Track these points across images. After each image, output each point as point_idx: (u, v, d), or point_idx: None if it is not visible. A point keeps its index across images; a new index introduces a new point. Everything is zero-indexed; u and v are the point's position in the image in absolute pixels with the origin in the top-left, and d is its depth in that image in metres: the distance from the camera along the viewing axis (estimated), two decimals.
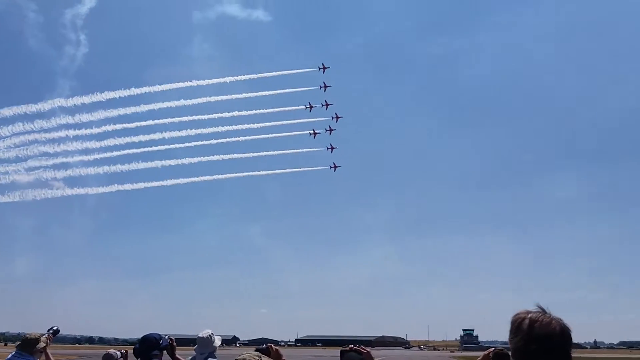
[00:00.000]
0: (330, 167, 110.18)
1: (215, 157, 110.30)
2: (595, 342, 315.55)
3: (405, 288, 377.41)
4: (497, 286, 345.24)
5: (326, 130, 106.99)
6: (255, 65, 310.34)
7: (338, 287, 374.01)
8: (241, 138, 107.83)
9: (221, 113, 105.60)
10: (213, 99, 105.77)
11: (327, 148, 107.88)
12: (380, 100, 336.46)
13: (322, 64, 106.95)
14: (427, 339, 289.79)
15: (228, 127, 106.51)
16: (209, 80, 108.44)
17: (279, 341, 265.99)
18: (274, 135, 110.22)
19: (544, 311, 3.43)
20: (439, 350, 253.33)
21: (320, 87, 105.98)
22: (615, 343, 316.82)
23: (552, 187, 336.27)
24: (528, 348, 3.29)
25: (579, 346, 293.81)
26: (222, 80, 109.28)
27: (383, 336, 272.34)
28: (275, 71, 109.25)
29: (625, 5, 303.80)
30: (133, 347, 7.51)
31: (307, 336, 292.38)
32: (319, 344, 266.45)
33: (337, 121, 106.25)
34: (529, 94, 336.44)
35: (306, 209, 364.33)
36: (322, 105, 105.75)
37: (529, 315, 3.39)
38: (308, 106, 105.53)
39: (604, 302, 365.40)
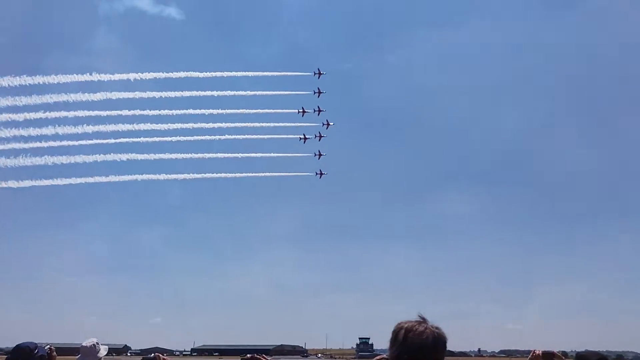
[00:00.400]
0: (317, 173, 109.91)
1: (112, 157, 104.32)
2: (479, 350, 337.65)
3: (305, 297, 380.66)
4: (395, 296, 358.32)
5: (315, 137, 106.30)
6: (164, 63, 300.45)
7: (237, 295, 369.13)
8: (143, 139, 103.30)
9: (121, 110, 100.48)
10: (115, 95, 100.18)
11: (315, 154, 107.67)
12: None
13: (318, 70, 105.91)
14: (325, 348, 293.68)
15: (129, 126, 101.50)
16: (112, 76, 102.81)
17: (173, 351, 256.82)
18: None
19: (424, 320, 3.47)
20: (335, 358, 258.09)
21: (314, 92, 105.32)
22: (497, 351, 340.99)
23: (446, 204, 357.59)
24: (401, 357, 3.37)
25: (465, 354, 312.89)
26: (126, 76, 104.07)
27: (282, 345, 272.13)
28: (184, 71, 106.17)
29: (516, 40, 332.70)
30: (6, 357, 6.83)
31: (203, 345, 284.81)
32: (216, 354, 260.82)
33: (327, 128, 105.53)
34: (427, 114, 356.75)
35: (205, 216, 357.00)
36: (315, 110, 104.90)
37: (405, 325, 3.44)
38: (300, 110, 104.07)
39: (489, 313, 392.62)
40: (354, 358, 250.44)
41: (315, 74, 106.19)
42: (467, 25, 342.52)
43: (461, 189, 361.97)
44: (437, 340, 3.40)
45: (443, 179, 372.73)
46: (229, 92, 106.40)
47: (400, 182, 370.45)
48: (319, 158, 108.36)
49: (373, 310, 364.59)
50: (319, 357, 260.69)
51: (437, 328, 3.47)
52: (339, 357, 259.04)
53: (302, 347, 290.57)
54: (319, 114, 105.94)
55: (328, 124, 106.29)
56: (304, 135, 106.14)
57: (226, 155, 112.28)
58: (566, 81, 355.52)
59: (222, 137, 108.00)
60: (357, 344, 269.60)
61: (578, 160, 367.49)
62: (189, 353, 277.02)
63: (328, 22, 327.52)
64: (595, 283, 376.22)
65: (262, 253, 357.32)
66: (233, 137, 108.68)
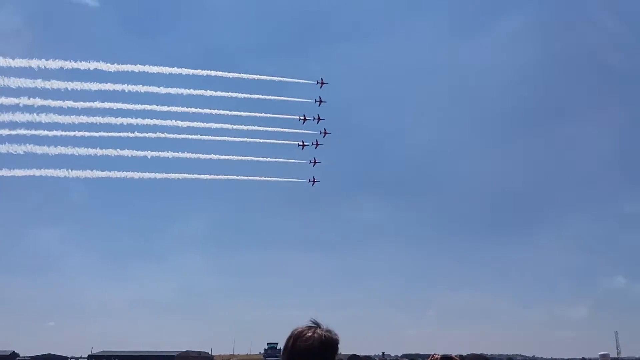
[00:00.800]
0: (309, 180, 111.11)
1: (7, 149, 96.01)
2: (383, 354, 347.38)
3: (212, 301, 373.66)
4: (303, 300, 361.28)
5: (312, 144, 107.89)
6: (72, 52, 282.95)
7: (141, 299, 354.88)
8: (43, 132, 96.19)
9: (20, 99, 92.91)
10: (14, 82, 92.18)
11: (310, 161, 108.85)
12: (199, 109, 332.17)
13: (321, 79, 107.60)
14: (232, 353, 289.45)
15: (28, 116, 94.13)
16: (12, 60, 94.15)
17: (68, 357, 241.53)
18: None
19: (317, 325, 3.49)
20: None
21: (315, 101, 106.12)
22: (399, 355, 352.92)
23: (354, 212, 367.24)
24: None
25: (369, 358, 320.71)
26: (28, 62, 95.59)
27: (187, 351, 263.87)
28: (94, 62, 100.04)
29: (431, 58, 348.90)
30: None
31: (102, 352, 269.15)
32: None
33: (324, 136, 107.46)
34: (343, 124, 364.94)
35: (110, 216, 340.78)
36: (314, 118, 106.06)
37: (295, 332, 3.48)
38: (302, 118, 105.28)
39: (393, 317, 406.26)
40: None
41: (318, 82, 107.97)
42: (387, 42, 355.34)
43: (368, 198, 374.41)
44: (324, 344, 3.39)
45: (352, 187, 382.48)
46: (143, 87, 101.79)
47: (310, 189, 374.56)
48: (313, 165, 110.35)
49: (282, 314, 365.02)
50: None
51: (328, 332, 3.48)
52: None
53: (208, 352, 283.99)
54: (318, 122, 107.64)
55: (325, 132, 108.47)
56: (303, 142, 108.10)
57: (135, 153, 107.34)
58: (473, 100, 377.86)
59: (133, 135, 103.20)
60: (265, 349, 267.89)
61: (480, 174, 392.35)
62: (86, 359, 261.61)
63: (252, 25, 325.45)
64: (490, 290, 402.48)
65: (169, 256, 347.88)
66: (145, 135, 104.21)
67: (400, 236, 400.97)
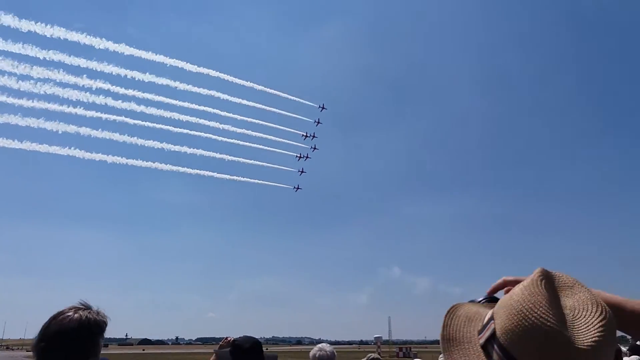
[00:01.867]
0: (294, 187, 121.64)
1: None
2: (177, 338, 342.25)
3: None
4: (94, 281, 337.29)
5: (303, 156, 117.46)
6: None
7: None
8: None
9: None
10: None
11: (298, 171, 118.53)
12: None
13: (322, 105, 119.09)
14: (2, 338, 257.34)
15: None
16: None
17: None
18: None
19: (86, 307, 3.24)
20: (13, 349, 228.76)
21: (315, 121, 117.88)
22: (194, 339, 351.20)
23: (160, 192, 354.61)
24: (39, 346, 3.12)
25: (162, 342, 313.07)
26: None
27: None
28: None
29: (259, 43, 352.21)
30: None
31: None
32: None
33: (313, 150, 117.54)
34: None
35: None
36: (310, 135, 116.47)
37: (57, 312, 3.21)
38: (304, 134, 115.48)
39: (190, 302, 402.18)
40: None
41: (319, 107, 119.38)
42: (215, 22, 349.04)
43: (174, 180, 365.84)
44: (83, 326, 3.13)
45: (159, 168, 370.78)
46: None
47: (104, 166, 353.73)
48: (300, 174, 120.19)
49: (69, 296, 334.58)
50: None
51: (96, 314, 3.24)
52: (18, 348, 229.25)
53: None
54: (312, 139, 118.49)
55: (315, 148, 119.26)
56: (300, 154, 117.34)
57: None
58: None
59: None
60: None
61: None
62: None
63: None
64: (287, 278, 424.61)
65: None
66: None
67: (205, 220, 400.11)
